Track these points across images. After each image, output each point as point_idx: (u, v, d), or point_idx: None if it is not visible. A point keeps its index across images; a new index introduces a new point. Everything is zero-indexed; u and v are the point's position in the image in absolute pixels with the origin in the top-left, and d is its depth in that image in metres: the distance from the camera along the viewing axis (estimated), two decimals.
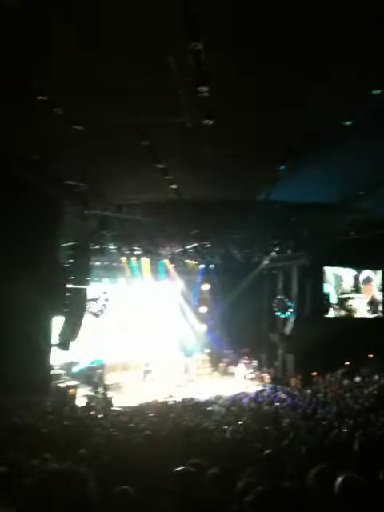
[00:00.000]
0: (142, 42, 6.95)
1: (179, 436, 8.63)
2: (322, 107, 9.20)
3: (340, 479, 3.39)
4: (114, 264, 22.78)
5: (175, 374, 22.75)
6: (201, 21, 6.26)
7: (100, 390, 18.71)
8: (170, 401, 17.02)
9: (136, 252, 22.07)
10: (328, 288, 24.77)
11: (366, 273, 25.91)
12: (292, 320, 23.85)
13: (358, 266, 25.45)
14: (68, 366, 20.51)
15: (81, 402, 17.21)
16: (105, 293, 22.51)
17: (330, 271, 24.87)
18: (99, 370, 21.18)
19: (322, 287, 24.37)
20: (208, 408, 14.80)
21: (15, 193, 13.03)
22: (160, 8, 6.13)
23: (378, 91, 8.32)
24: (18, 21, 6.47)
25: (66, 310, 16.72)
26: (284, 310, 23.99)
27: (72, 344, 18.66)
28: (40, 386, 14.46)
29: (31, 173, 12.62)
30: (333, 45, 7.09)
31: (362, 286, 25.90)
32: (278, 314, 24.21)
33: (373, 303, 25.94)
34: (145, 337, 24.28)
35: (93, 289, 20.81)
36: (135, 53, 7.27)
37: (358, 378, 18.96)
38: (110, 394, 18.61)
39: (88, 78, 8.13)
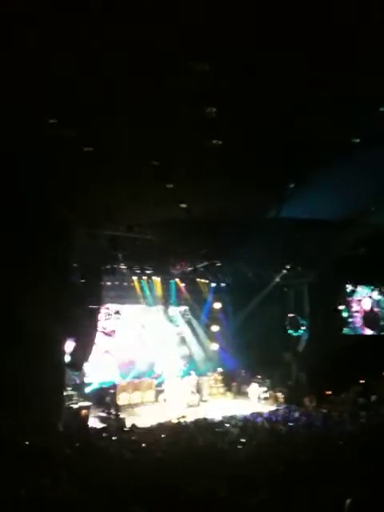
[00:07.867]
0: (149, 62, 7.03)
1: (192, 457, 8.53)
2: (330, 124, 9.25)
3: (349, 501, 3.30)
4: (125, 284, 22.76)
5: (187, 394, 22.52)
6: (207, 42, 6.34)
7: (112, 411, 18.55)
8: (183, 421, 16.82)
9: (147, 271, 22.07)
10: None
11: None
12: (305, 338, 23.61)
13: (372, 282, 25.24)
14: (80, 387, 20.38)
15: (93, 423, 17.08)
16: (116, 313, 22.48)
17: None
18: (111, 391, 21.03)
19: (335, 304, 24.14)
20: (221, 429, 14.59)
21: (25, 214, 13.12)
22: (167, 29, 6.22)
23: None
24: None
25: (78, 331, 16.70)
26: (297, 328, 23.78)
27: (84, 365, 18.63)
28: (52, 408, 14.40)
29: (41, 193, 12.72)
30: (340, 60, 7.14)
31: None
32: (291, 332, 23.99)
33: None
34: (157, 357, 24.17)
35: (104, 309, 20.80)
36: (142, 72, 7.35)
37: (373, 397, 18.64)
38: (122, 415, 18.45)
39: (94, 99, 8.24)
